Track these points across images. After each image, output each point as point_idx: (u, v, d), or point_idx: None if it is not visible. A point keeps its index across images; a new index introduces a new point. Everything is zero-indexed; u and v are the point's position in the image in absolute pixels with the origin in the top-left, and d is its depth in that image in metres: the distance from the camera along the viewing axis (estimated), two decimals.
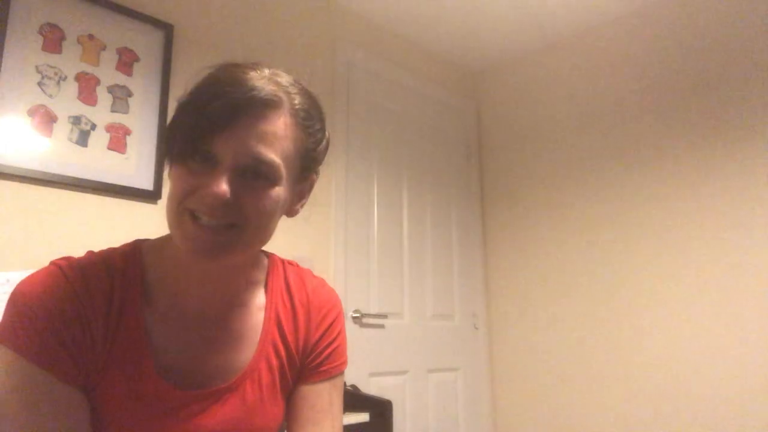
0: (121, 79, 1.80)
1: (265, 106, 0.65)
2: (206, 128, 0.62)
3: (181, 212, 0.64)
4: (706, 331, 2.16)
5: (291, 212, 0.74)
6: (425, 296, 2.67)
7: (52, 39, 1.68)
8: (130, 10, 1.84)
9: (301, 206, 0.76)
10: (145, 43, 1.87)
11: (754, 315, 2.05)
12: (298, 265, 0.85)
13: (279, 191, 0.67)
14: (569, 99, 2.74)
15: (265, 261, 0.81)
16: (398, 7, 2.59)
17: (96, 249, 0.73)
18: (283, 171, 0.67)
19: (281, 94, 0.67)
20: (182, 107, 0.66)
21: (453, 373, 2.71)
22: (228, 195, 0.61)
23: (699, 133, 2.29)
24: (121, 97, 1.79)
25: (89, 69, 1.74)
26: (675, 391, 2.20)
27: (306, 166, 0.72)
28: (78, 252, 0.72)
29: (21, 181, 1.57)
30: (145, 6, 1.89)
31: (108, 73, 1.77)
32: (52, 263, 0.67)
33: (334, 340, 0.81)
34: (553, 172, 2.75)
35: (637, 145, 2.46)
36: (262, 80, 0.66)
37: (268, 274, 0.80)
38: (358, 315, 2.32)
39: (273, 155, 0.65)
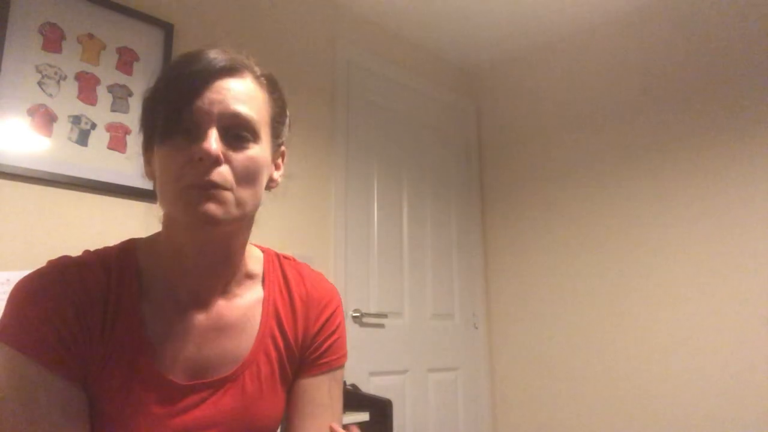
0: (121, 78, 1.80)
1: (231, 70, 0.69)
2: (182, 99, 0.65)
3: (180, 189, 0.65)
4: (709, 329, 2.16)
5: (271, 182, 0.76)
6: (425, 296, 2.67)
7: (52, 38, 1.68)
8: (130, 9, 1.84)
9: (280, 177, 0.78)
10: (146, 42, 1.87)
11: (755, 314, 2.05)
12: (295, 260, 0.86)
13: (260, 150, 0.70)
14: (569, 98, 2.74)
15: (260, 254, 0.82)
16: (398, 6, 2.59)
17: (96, 248, 0.73)
18: (260, 128, 0.70)
19: (242, 62, 0.71)
20: (151, 97, 0.70)
21: (453, 373, 2.71)
22: (219, 152, 0.64)
23: (699, 132, 2.29)
24: (121, 96, 1.79)
25: (89, 68, 1.74)
26: (676, 391, 2.20)
27: (276, 133, 0.75)
28: (77, 252, 0.73)
29: (21, 181, 1.57)
30: (145, 5, 1.88)
31: (108, 73, 1.77)
32: (49, 262, 0.68)
33: (333, 332, 0.82)
34: (553, 171, 2.75)
35: (637, 145, 2.46)
36: (220, 53, 0.70)
37: (264, 267, 0.80)
38: (358, 314, 2.32)
39: (249, 111, 0.68)
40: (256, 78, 0.72)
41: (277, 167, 0.78)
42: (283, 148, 0.79)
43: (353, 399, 1.91)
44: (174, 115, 0.65)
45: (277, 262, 0.82)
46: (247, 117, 0.68)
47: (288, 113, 0.79)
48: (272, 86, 0.75)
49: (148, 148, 0.71)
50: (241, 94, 0.68)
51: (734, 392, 2.06)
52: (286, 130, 0.78)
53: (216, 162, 0.64)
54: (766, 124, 2.12)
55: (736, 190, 2.16)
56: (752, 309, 2.06)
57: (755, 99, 2.15)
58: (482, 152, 3.10)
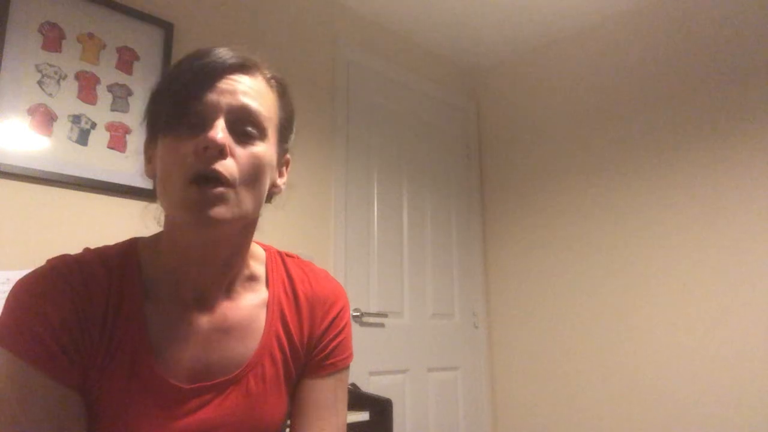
0: (121, 77, 1.80)
1: (242, 67, 0.68)
2: (190, 91, 0.64)
3: (186, 185, 0.63)
4: (712, 330, 2.16)
5: (274, 187, 0.75)
6: (425, 295, 2.67)
7: (52, 38, 1.68)
8: (130, 8, 1.84)
9: (284, 185, 0.77)
10: (145, 41, 1.87)
11: (758, 313, 2.05)
12: (299, 258, 0.84)
13: (266, 149, 0.69)
14: (570, 97, 2.74)
15: (262, 253, 0.81)
16: (398, 5, 2.59)
17: (96, 247, 0.73)
18: (268, 126, 0.69)
19: (254, 62, 0.71)
20: (159, 89, 0.68)
21: (453, 372, 2.72)
22: (225, 142, 0.63)
23: (701, 131, 2.28)
24: (121, 95, 1.79)
25: (89, 68, 1.74)
26: (675, 391, 2.20)
27: (283, 138, 0.74)
28: (77, 251, 0.72)
29: (21, 180, 1.57)
30: (145, 4, 1.88)
31: (108, 72, 1.77)
32: (49, 261, 0.67)
33: (340, 333, 0.81)
34: (553, 171, 2.75)
35: (637, 144, 2.46)
36: (233, 50, 0.69)
37: (267, 267, 0.79)
38: (358, 314, 2.32)
39: (258, 106, 0.67)
40: (267, 80, 0.71)
41: (280, 174, 0.76)
42: (288, 155, 0.77)
43: (353, 398, 1.91)
44: (181, 106, 0.64)
45: (279, 260, 0.81)
46: (256, 111, 0.67)
47: (295, 123, 0.77)
48: (282, 90, 0.73)
49: (150, 142, 0.70)
50: (251, 89, 0.67)
51: (737, 394, 2.06)
52: (292, 137, 0.76)
53: (222, 152, 0.63)
54: None
55: (740, 189, 2.15)
56: (755, 309, 2.06)
57: (757, 96, 2.15)
58: (482, 152, 3.10)
